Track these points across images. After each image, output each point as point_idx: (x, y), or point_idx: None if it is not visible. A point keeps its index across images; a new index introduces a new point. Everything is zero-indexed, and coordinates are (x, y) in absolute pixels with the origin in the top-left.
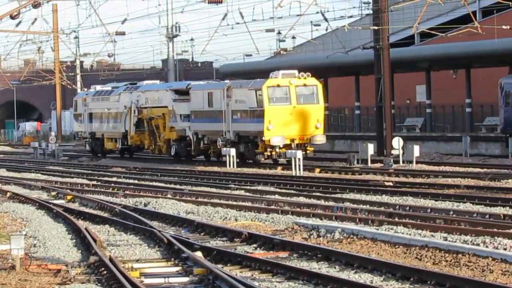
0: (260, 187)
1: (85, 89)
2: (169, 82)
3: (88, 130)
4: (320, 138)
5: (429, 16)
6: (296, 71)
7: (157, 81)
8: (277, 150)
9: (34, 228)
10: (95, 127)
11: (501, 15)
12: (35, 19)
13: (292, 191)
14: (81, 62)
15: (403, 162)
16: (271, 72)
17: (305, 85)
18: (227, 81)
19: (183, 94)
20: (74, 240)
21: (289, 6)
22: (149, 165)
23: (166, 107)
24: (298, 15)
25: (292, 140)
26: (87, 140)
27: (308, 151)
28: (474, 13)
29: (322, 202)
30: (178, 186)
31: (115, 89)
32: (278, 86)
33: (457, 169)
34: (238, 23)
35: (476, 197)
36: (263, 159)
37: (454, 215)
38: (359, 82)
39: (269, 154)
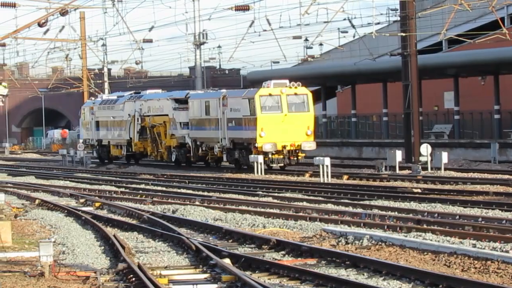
0: (288, 194)
1: (92, 98)
2: (172, 91)
3: (95, 137)
4: (310, 145)
5: (457, 23)
6: (287, 81)
7: (159, 90)
8: (270, 156)
9: (62, 235)
10: (101, 135)
11: None
12: (63, 27)
13: (320, 198)
14: (109, 70)
15: (431, 168)
16: (301, 78)
17: (295, 94)
18: (223, 90)
19: (182, 103)
20: (102, 247)
21: (316, 13)
22: (168, 171)
23: (167, 115)
24: (325, 22)
25: (284, 147)
26: (95, 147)
27: (299, 157)
28: (502, 19)
29: (350, 209)
30: (206, 193)
31: (120, 98)
32: (270, 95)
33: (485, 175)
34: (265, 30)
35: (505, 204)
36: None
37: (483, 222)
38: (386, 89)
39: (263, 160)
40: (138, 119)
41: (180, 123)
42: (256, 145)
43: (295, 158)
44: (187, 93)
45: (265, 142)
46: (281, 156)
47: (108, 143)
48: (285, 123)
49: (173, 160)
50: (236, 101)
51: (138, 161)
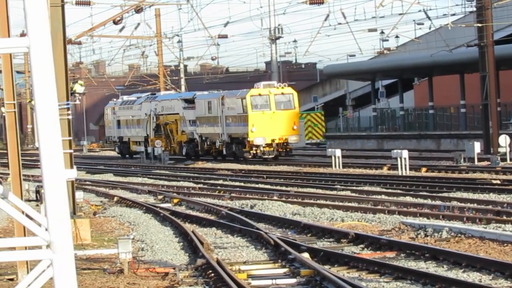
0: (366, 188)
1: (114, 100)
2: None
3: (117, 134)
4: (295, 138)
5: None
6: (275, 82)
7: (172, 91)
8: (261, 149)
9: (141, 231)
10: (122, 132)
11: None
12: (138, 24)
13: (399, 191)
14: (185, 66)
15: (510, 159)
16: (377, 71)
17: (282, 93)
18: (221, 91)
19: (190, 102)
20: (181, 243)
21: (391, 5)
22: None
23: (178, 114)
24: (400, 14)
25: (273, 140)
26: (116, 143)
27: (288, 149)
28: None
29: (429, 201)
30: (284, 188)
31: (138, 99)
32: (260, 95)
33: None
34: (340, 24)
35: None
36: (249, 156)
37: None
38: (464, 80)
39: (254, 152)
40: (153, 117)
41: (189, 120)
42: (248, 139)
43: (284, 150)
44: (194, 94)
45: (256, 137)
46: (271, 149)
47: (128, 140)
48: (274, 119)
49: (184, 153)
50: (232, 100)
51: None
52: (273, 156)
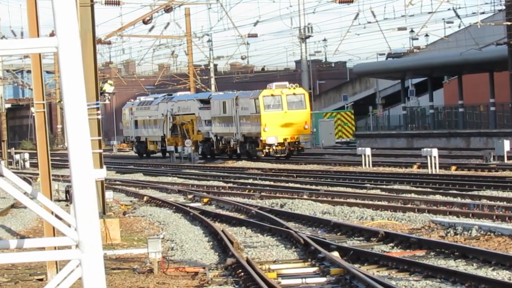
0: (396, 186)
1: (131, 100)
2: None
3: (134, 134)
4: (306, 137)
5: None
6: (287, 83)
7: (188, 92)
8: (274, 147)
9: (171, 231)
10: (140, 132)
11: None
12: (168, 24)
13: (428, 189)
14: (215, 65)
15: None
16: (407, 70)
17: (294, 94)
18: (236, 92)
19: (206, 103)
20: (211, 243)
21: (421, 3)
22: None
23: (194, 114)
24: (430, 13)
25: (285, 139)
26: (134, 143)
27: (300, 148)
28: None
29: (458, 199)
30: (314, 187)
31: (155, 99)
32: (272, 95)
33: None
34: (370, 22)
35: None
36: (262, 155)
37: None
38: (493, 79)
39: (267, 151)
40: (170, 117)
41: (205, 120)
42: (261, 138)
43: (296, 149)
44: (209, 95)
45: (269, 136)
46: (283, 148)
47: (145, 140)
48: (286, 119)
49: (199, 152)
50: (246, 101)
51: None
52: (285, 154)
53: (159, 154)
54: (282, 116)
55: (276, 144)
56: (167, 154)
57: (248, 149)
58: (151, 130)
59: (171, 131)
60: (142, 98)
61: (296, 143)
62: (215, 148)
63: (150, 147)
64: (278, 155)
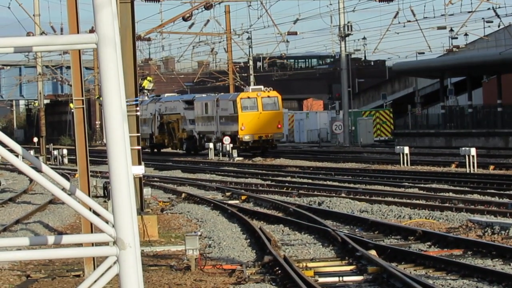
0: (434, 185)
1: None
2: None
3: None
4: (279, 135)
5: None
6: (262, 86)
7: (175, 94)
8: (250, 144)
9: (209, 228)
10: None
11: None
12: (208, 21)
13: (466, 188)
14: (255, 62)
15: None
16: (446, 69)
17: (268, 96)
18: (217, 94)
19: (190, 104)
20: (248, 240)
21: (460, 3)
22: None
23: (179, 113)
24: (469, 12)
25: (260, 137)
26: None
27: (273, 145)
28: None
29: (496, 199)
30: (352, 185)
31: (145, 100)
32: (249, 97)
33: None
34: (409, 21)
35: None
36: (240, 152)
37: None
38: None
39: (244, 148)
40: (158, 117)
41: (189, 120)
42: (239, 136)
43: (269, 146)
44: (193, 96)
45: (245, 134)
46: (258, 145)
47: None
48: (260, 119)
49: (184, 149)
50: (225, 102)
51: (159, 151)
52: (260, 151)
53: (170, 150)
54: (257, 116)
55: (252, 141)
56: (155, 150)
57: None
58: (140, 128)
59: (158, 129)
60: (140, 98)
61: (270, 140)
62: (198, 145)
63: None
64: (254, 151)
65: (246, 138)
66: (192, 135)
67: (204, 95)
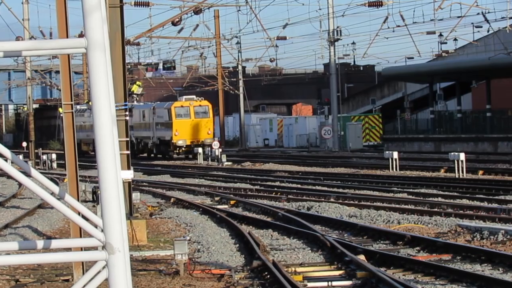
0: (423, 190)
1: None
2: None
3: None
4: (209, 140)
5: None
6: (194, 96)
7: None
8: (183, 149)
9: (198, 233)
10: (77, 136)
11: None
12: (197, 25)
13: (455, 194)
14: (243, 68)
15: None
16: (435, 74)
17: (200, 105)
18: (153, 102)
19: (129, 111)
20: (237, 245)
21: (450, 8)
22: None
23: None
24: (459, 17)
25: (192, 142)
26: None
27: (204, 148)
28: None
29: (485, 204)
30: (341, 190)
31: (87, 108)
32: (182, 106)
33: None
34: (399, 26)
35: None
36: (175, 155)
37: None
38: None
39: (178, 151)
40: None
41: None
42: (173, 141)
43: (203, 149)
44: (132, 105)
45: (178, 139)
46: (191, 149)
47: (80, 142)
48: (193, 125)
49: None
50: (161, 110)
51: None
52: (191, 155)
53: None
54: (190, 123)
55: (184, 146)
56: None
57: (162, 149)
58: (85, 133)
59: None
60: (78, 106)
61: (201, 145)
62: (136, 149)
63: (84, 148)
64: (186, 155)
65: (180, 143)
66: (130, 140)
67: (142, 103)
